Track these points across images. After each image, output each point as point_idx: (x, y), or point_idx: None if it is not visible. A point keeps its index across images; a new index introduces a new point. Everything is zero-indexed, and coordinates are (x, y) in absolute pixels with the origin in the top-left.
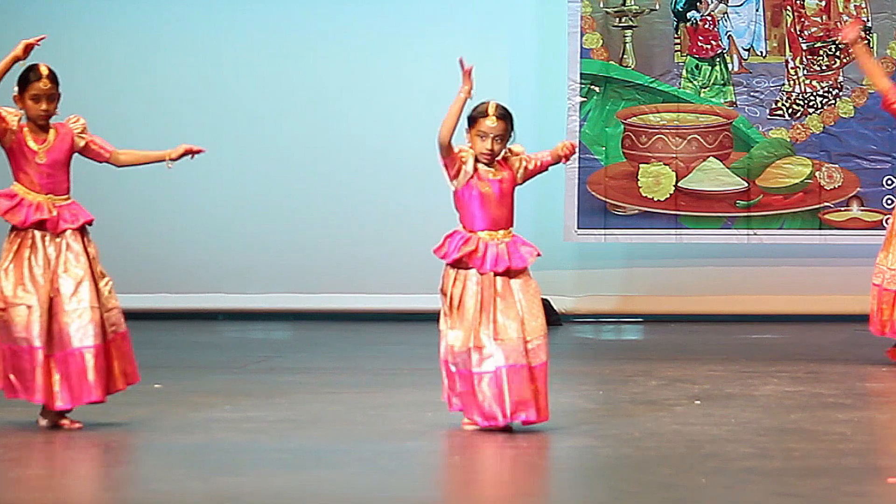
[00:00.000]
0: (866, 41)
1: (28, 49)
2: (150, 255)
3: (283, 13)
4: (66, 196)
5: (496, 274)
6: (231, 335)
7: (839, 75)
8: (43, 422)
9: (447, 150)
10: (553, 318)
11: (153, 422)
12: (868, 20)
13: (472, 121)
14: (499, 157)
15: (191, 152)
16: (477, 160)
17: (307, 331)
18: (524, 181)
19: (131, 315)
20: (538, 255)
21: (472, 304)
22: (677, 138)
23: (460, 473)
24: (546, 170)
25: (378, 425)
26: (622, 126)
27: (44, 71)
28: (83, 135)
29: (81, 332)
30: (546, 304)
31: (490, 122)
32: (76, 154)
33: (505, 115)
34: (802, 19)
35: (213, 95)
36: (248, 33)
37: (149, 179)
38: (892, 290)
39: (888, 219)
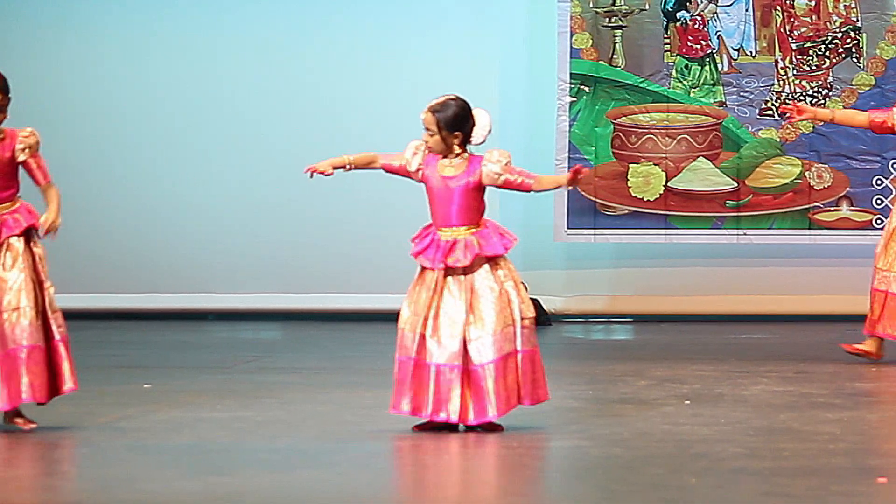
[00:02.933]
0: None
1: None
2: (139, 255)
3: (275, 13)
4: (9, 203)
5: (446, 271)
6: (220, 335)
7: (829, 75)
8: None
9: (388, 170)
10: (543, 317)
11: (142, 422)
12: (858, 20)
13: None
14: (458, 151)
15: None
16: (431, 159)
17: (297, 331)
18: (502, 188)
19: (120, 315)
20: (488, 255)
21: (425, 294)
22: (667, 138)
23: (450, 473)
24: (528, 192)
25: (368, 425)
26: (612, 126)
27: None
28: (26, 152)
29: (20, 331)
30: (535, 304)
31: (422, 115)
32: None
33: (435, 110)
34: (792, 19)
35: (203, 96)
36: (236, 31)
37: (138, 180)
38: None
39: (878, 219)
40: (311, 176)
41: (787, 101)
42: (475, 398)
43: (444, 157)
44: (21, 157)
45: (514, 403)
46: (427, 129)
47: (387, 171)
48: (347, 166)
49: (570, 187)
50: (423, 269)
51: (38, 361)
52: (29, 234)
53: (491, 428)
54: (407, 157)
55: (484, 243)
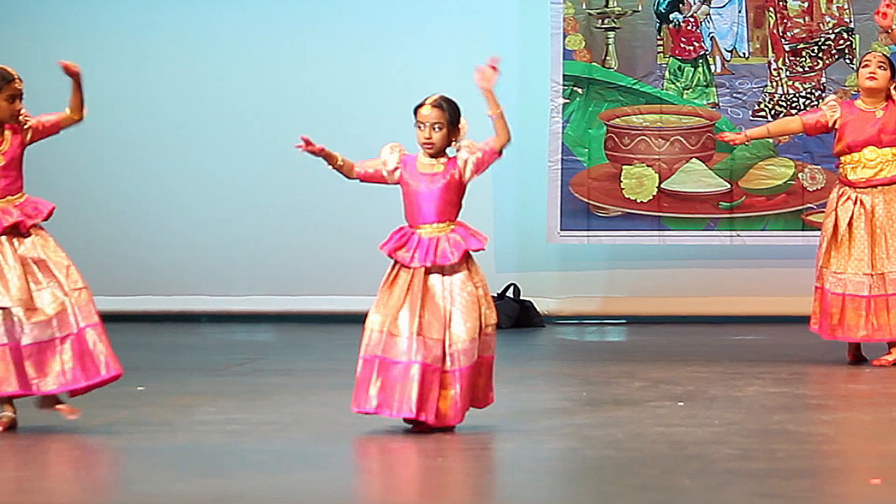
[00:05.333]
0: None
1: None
2: (133, 257)
3: (269, 15)
4: (20, 194)
5: (427, 270)
6: (214, 337)
7: (822, 76)
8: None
9: (364, 179)
10: (536, 319)
11: (136, 423)
12: (851, 21)
13: (414, 112)
14: (449, 148)
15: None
16: (409, 159)
17: (290, 333)
18: (479, 172)
19: (114, 317)
20: (472, 249)
21: (398, 293)
22: (660, 140)
23: (443, 475)
24: (499, 156)
25: (360, 427)
26: (605, 127)
27: (13, 72)
28: (27, 124)
29: (86, 311)
30: (529, 306)
31: (425, 111)
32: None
33: (441, 105)
34: (785, 21)
35: (197, 99)
36: (233, 34)
37: (130, 183)
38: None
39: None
40: (304, 147)
41: (780, 102)
42: (446, 404)
43: (431, 156)
44: (28, 134)
45: (468, 407)
46: (434, 124)
47: (362, 179)
48: (337, 163)
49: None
50: (396, 269)
51: (102, 337)
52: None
53: (425, 429)
54: (384, 157)
55: (466, 239)
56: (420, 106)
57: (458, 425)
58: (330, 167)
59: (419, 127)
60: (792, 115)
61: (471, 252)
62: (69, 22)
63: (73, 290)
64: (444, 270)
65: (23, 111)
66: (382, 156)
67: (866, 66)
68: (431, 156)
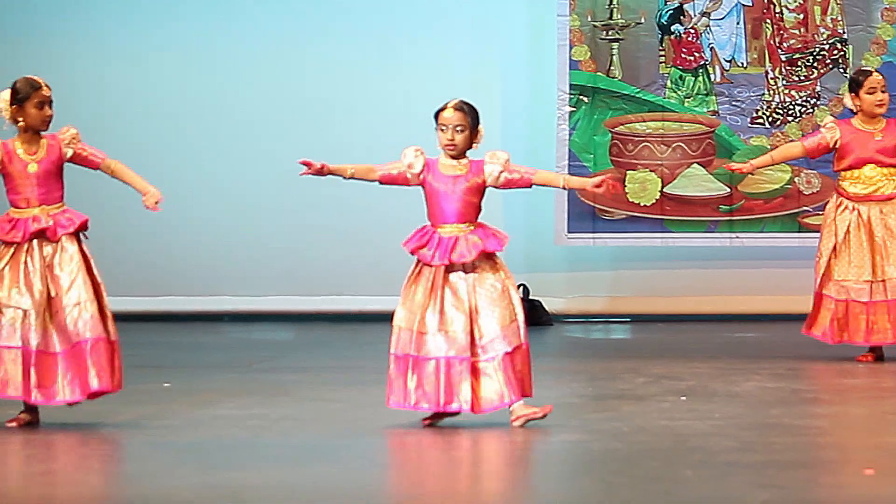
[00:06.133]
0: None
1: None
2: (157, 259)
3: (277, 22)
4: (59, 204)
5: (447, 268)
6: (235, 336)
7: (817, 85)
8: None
9: (385, 181)
10: (544, 318)
11: (161, 419)
12: (844, 32)
13: (435, 116)
14: (470, 150)
15: (152, 208)
16: (431, 161)
17: (309, 331)
18: (503, 188)
19: (139, 317)
20: (489, 251)
21: (423, 291)
22: (662, 146)
23: (456, 468)
24: (529, 187)
25: (377, 422)
26: (610, 134)
27: (40, 80)
28: (71, 144)
29: (82, 324)
30: (538, 305)
31: (448, 114)
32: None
33: (462, 108)
34: (781, 32)
35: (214, 104)
36: (244, 42)
37: (158, 188)
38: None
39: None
40: (306, 170)
41: (776, 110)
42: (487, 389)
43: (454, 157)
44: (69, 152)
45: (527, 392)
46: (456, 126)
47: (383, 182)
48: (349, 174)
49: (573, 189)
50: (419, 267)
51: (102, 352)
52: (78, 236)
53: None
54: (409, 160)
55: (484, 240)
56: (442, 110)
57: (471, 419)
58: (344, 178)
59: (441, 129)
60: (789, 121)
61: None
62: (83, 32)
63: (72, 306)
64: (465, 268)
65: (76, 132)
66: (407, 159)
67: (872, 92)
68: (453, 157)
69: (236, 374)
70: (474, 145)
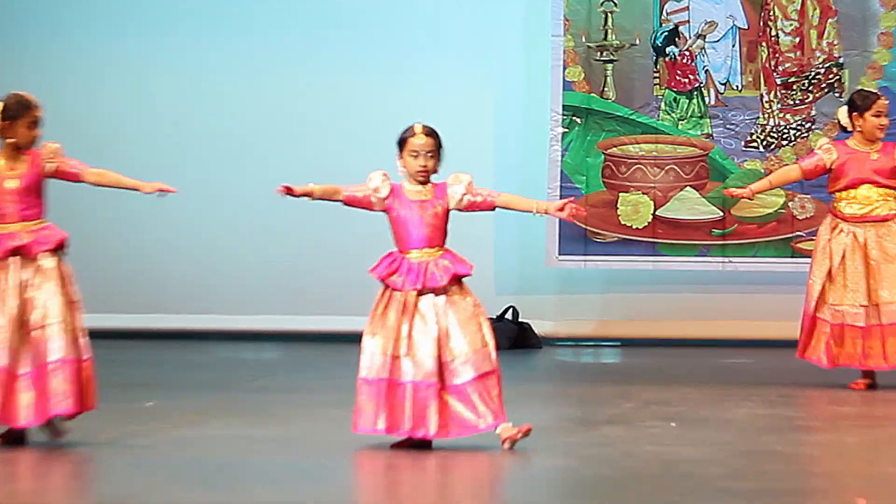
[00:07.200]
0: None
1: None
2: (145, 277)
3: (272, 42)
4: (39, 220)
5: (419, 293)
6: (223, 355)
7: (812, 109)
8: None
9: (349, 203)
10: (533, 341)
11: (145, 439)
12: (840, 56)
13: (402, 142)
14: (436, 174)
15: (162, 190)
16: (397, 186)
17: (296, 351)
18: (466, 211)
19: (126, 334)
20: (460, 274)
21: (395, 314)
22: (655, 168)
23: (442, 492)
24: (492, 209)
25: (364, 442)
26: (602, 156)
27: (33, 99)
28: (54, 160)
29: (54, 345)
30: (527, 328)
31: (419, 140)
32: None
33: (432, 133)
34: (777, 55)
35: (204, 123)
36: (239, 61)
37: (144, 205)
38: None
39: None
40: (285, 193)
41: (771, 133)
42: (459, 413)
43: (419, 182)
44: (52, 168)
45: (501, 417)
46: (429, 152)
47: (347, 203)
48: (316, 195)
49: (543, 214)
50: (389, 292)
51: (69, 374)
52: (57, 253)
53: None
54: (376, 184)
55: (455, 264)
56: (411, 136)
57: (457, 442)
58: (309, 199)
59: (413, 156)
60: (783, 145)
61: (461, 278)
62: (76, 48)
63: (40, 327)
64: (435, 291)
65: (58, 147)
66: (373, 182)
67: (878, 115)
68: (422, 183)
69: (222, 394)
70: (438, 169)
